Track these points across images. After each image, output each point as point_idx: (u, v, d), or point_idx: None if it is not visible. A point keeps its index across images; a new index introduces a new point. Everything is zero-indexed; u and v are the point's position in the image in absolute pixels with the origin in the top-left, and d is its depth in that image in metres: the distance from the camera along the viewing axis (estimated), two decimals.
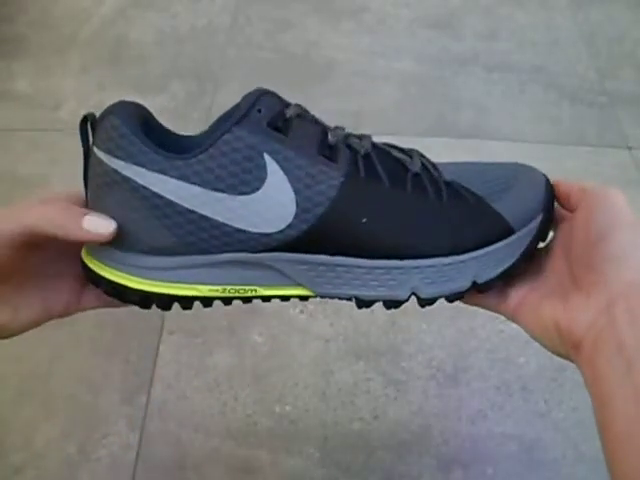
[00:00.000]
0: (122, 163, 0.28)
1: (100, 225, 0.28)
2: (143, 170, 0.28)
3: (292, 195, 0.28)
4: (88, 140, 0.30)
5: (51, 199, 0.29)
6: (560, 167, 0.78)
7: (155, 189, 0.28)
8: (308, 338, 0.62)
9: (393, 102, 0.87)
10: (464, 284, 0.30)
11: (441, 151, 0.80)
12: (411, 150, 0.32)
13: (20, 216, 0.27)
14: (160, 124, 0.33)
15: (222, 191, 0.28)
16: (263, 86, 0.33)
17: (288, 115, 0.30)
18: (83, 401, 0.59)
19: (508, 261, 0.30)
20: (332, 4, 1.02)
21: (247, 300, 0.31)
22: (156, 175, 0.28)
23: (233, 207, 0.28)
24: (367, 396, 0.59)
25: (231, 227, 0.28)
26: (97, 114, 0.30)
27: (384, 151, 0.31)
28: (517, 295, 0.31)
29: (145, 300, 0.30)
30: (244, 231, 0.28)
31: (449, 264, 0.30)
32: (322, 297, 0.31)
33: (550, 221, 0.31)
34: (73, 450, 0.55)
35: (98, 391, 0.59)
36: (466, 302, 0.33)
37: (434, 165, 0.32)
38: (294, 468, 0.54)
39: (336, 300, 0.31)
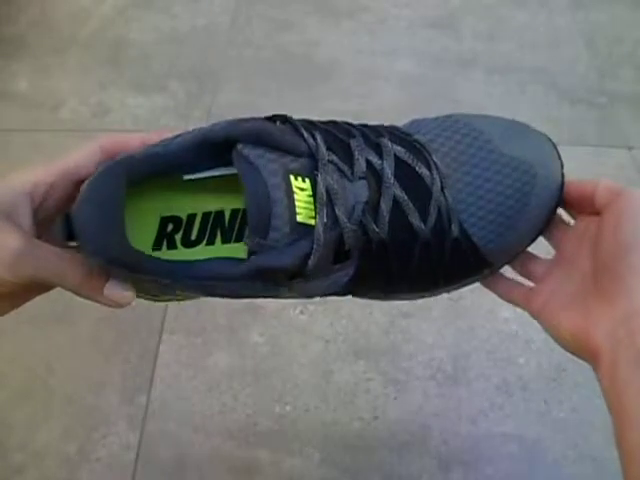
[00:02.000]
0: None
1: (122, 298, 0.27)
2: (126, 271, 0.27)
3: None
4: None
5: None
6: None
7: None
8: (308, 338, 0.62)
9: (393, 102, 0.87)
10: None
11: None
12: (433, 175, 0.30)
13: (32, 266, 0.26)
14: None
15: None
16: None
17: (311, 266, 0.27)
18: (83, 401, 0.59)
19: None
20: (332, 4, 1.02)
21: None
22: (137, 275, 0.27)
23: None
24: (367, 396, 0.59)
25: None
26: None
27: (399, 206, 0.29)
28: (541, 297, 0.31)
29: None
30: None
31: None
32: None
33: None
34: (73, 450, 0.55)
35: (98, 391, 0.59)
36: (496, 293, 0.33)
37: (449, 209, 0.30)
38: (294, 468, 0.54)
39: (336, 300, 0.31)
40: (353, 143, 0.30)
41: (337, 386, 0.59)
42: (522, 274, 0.33)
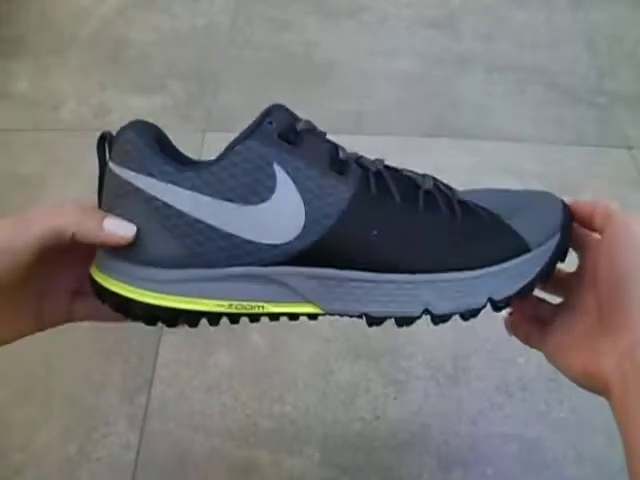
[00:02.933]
0: (134, 174, 0.29)
1: (120, 227, 0.28)
2: (154, 181, 0.28)
3: (301, 206, 0.28)
4: (105, 157, 0.31)
5: (66, 204, 0.29)
6: (560, 167, 0.78)
7: (166, 199, 0.28)
8: (308, 338, 0.62)
9: (393, 102, 0.87)
10: (480, 300, 0.29)
11: (441, 151, 0.80)
12: (425, 174, 0.32)
13: (42, 219, 0.27)
14: (173, 145, 0.33)
15: (232, 201, 0.28)
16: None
17: (299, 128, 0.30)
18: (83, 401, 0.59)
19: (525, 278, 0.29)
20: (332, 4, 1.02)
21: (254, 318, 0.31)
22: (167, 186, 0.28)
23: (242, 217, 0.28)
24: (367, 396, 0.59)
25: (239, 238, 0.28)
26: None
27: (395, 170, 0.31)
28: (553, 340, 0.31)
29: (150, 314, 0.29)
30: (252, 242, 0.28)
31: (463, 279, 0.29)
32: (332, 314, 0.30)
33: (568, 241, 0.31)
34: (73, 450, 0.55)
35: (98, 391, 0.59)
36: (517, 335, 0.33)
37: (447, 186, 0.32)
38: (294, 468, 0.54)
39: None
40: None
41: (337, 386, 0.59)
42: (533, 319, 0.33)
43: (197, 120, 0.84)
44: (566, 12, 1.01)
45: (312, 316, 0.30)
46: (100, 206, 0.30)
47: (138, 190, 0.28)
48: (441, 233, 0.29)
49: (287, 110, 0.30)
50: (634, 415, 0.24)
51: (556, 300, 0.34)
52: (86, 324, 0.34)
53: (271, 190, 0.28)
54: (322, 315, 0.30)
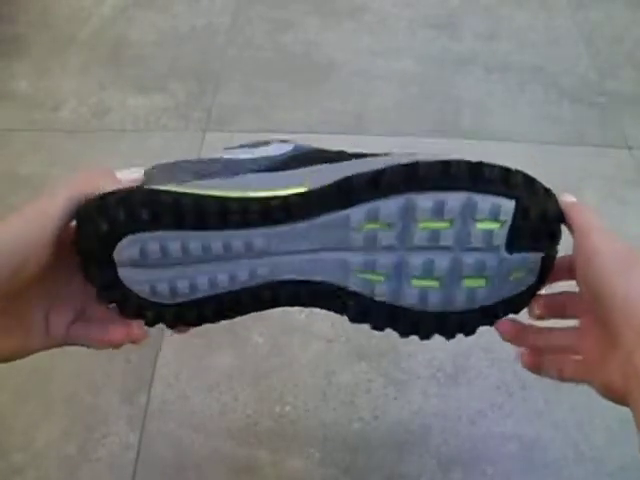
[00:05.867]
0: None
1: (131, 170, 0.31)
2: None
3: (291, 144, 0.34)
4: None
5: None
6: (560, 167, 0.78)
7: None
8: (309, 338, 0.62)
9: (393, 102, 0.87)
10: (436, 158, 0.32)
11: (441, 151, 0.80)
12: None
13: (66, 187, 0.28)
14: None
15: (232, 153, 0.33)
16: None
17: None
18: (83, 401, 0.59)
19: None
20: (332, 4, 1.02)
21: (244, 211, 0.30)
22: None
23: (244, 152, 0.33)
24: (367, 396, 0.59)
25: (240, 159, 0.33)
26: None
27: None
28: (570, 369, 0.31)
29: (152, 202, 0.29)
30: (253, 159, 0.33)
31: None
32: (314, 192, 0.30)
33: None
34: (73, 450, 0.55)
35: (98, 391, 0.59)
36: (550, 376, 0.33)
37: None
38: (294, 468, 0.54)
39: None
40: None
41: (337, 386, 0.59)
42: (560, 348, 0.33)
43: (197, 120, 0.84)
44: (566, 12, 1.01)
45: (297, 204, 0.30)
46: None
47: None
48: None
49: None
50: None
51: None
52: None
53: (267, 144, 0.34)
54: (307, 195, 0.30)
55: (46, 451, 0.55)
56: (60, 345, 0.31)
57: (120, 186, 0.29)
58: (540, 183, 0.31)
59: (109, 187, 0.29)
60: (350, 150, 0.33)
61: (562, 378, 0.33)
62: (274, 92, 0.87)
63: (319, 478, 0.54)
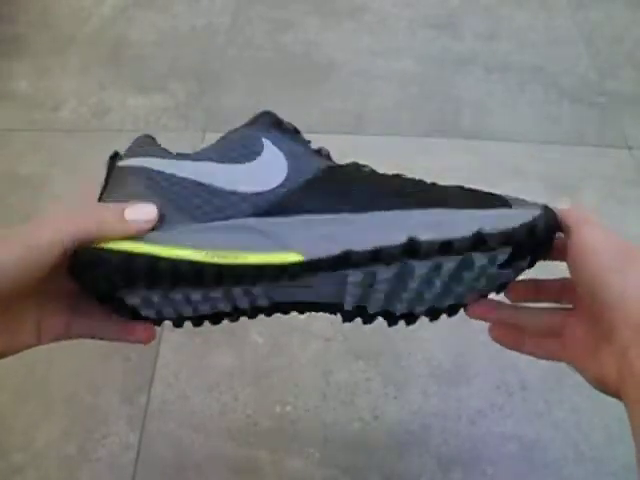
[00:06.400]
0: (136, 159, 0.31)
1: (141, 211, 0.28)
2: (153, 159, 0.30)
3: (284, 163, 0.30)
4: (113, 167, 0.31)
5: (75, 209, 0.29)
6: (560, 167, 0.78)
7: (159, 168, 0.30)
8: (308, 338, 0.62)
9: (393, 102, 0.87)
10: (468, 230, 0.27)
11: (441, 151, 0.80)
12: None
13: (63, 223, 0.26)
14: None
15: (220, 162, 0.30)
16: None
17: (286, 125, 0.33)
18: (83, 401, 0.59)
19: (511, 223, 0.28)
20: (332, 4, 1.02)
21: (236, 277, 0.29)
22: (164, 161, 0.30)
23: (229, 173, 0.30)
24: (367, 396, 0.59)
25: (224, 190, 0.29)
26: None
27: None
28: (568, 348, 0.31)
29: (125, 267, 0.27)
30: (236, 193, 0.29)
31: (447, 212, 0.29)
32: (312, 263, 0.28)
33: (553, 220, 0.29)
34: (73, 450, 0.55)
35: (98, 391, 0.59)
36: (529, 354, 0.33)
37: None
38: (294, 468, 0.54)
39: None
40: None
41: (337, 386, 0.59)
42: (548, 329, 0.33)
43: (197, 120, 0.84)
44: (566, 12, 1.01)
45: (294, 269, 0.28)
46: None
47: (136, 168, 0.30)
48: (417, 190, 0.30)
49: (275, 114, 0.33)
50: (636, 416, 0.24)
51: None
52: None
53: (258, 153, 0.30)
54: (305, 265, 0.28)
55: (46, 451, 0.55)
56: (61, 340, 0.31)
57: (126, 229, 0.27)
58: (541, 223, 0.28)
59: (113, 232, 0.27)
60: (343, 166, 0.32)
61: (543, 358, 0.33)
62: (274, 92, 0.87)
63: (319, 478, 0.54)
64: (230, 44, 0.96)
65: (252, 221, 0.29)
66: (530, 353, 0.33)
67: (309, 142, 0.33)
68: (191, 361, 0.61)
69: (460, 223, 0.28)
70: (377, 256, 0.28)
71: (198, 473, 0.54)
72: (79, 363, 0.61)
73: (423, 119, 0.85)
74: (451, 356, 0.61)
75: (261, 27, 0.98)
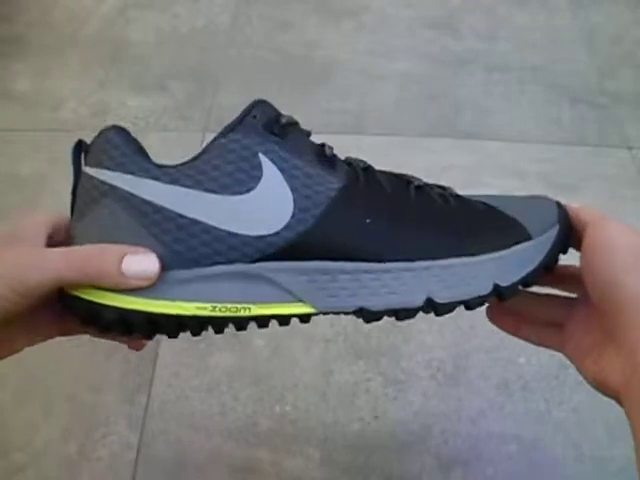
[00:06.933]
0: (112, 173, 0.26)
1: (142, 266, 0.25)
2: (133, 177, 0.26)
3: (289, 194, 0.27)
4: (80, 165, 0.28)
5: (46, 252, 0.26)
6: (560, 167, 0.78)
7: (144, 196, 0.26)
8: (308, 338, 0.62)
9: (393, 102, 0.87)
10: (485, 287, 0.27)
11: (441, 151, 0.80)
12: (414, 176, 0.32)
13: (43, 266, 0.24)
14: (147, 155, 0.29)
15: (214, 192, 0.26)
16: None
17: (283, 122, 0.29)
18: (83, 401, 0.59)
19: (529, 266, 0.28)
20: (332, 4, 1.02)
21: (240, 325, 0.28)
22: (146, 181, 0.26)
23: (225, 209, 0.26)
24: (367, 396, 0.59)
25: (223, 231, 0.26)
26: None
27: (383, 170, 0.31)
28: (570, 341, 0.30)
29: (122, 321, 0.26)
30: (237, 235, 0.26)
31: (465, 264, 0.27)
32: (325, 314, 0.27)
33: (568, 233, 0.30)
34: (73, 450, 0.55)
35: (98, 391, 0.59)
36: (531, 341, 0.32)
37: (440, 185, 0.31)
38: (294, 468, 0.54)
39: None
40: None
41: (337, 386, 0.59)
42: (546, 318, 0.32)
43: (197, 120, 0.84)
44: (566, 12, 1.01)
45: (304, 318, 0.28)
46: (72, 217, 0.28)
47: (115, 189, 0.26)
48: (437, 220, 0.28)
49: (270, 105, 0.29)
50: (637, 419, 0.24)
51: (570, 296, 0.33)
52: None
53: (256, 180, 0.26)
54: (315, 315, 0.28)
55: (46, 451, 0.55)
56: (56, 336, 0.31)
57: (124, 285, 0.25)
58: (557, 249, 0.29)
59: (108, 286, 0.25)
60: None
61: (539, 345, 0.33)
62: (274, 92, 0.87)
63: (319, 478, 0.54)
64: (230, 44, 0.96)
65: (258, 267, 0.27)
66: (526, 339, 0.33)
67: (309, 134, 0.30)
68: (191, 361, 0.61)
69: (480, 277, 0.27)
70: (393, 314, 0.28)
71: (198, 473, 0.54)
72: (79, 363, 0.61)
73: (423, 119, 0.85)
74: (451, 356, 0.61)
75: (261, 27, 0.98)
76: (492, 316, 0.34)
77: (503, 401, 0.58)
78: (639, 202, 0.75)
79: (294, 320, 0.29)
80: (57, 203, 0.73)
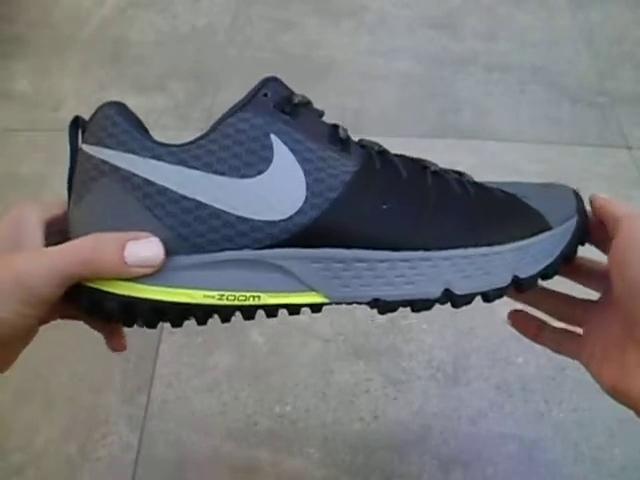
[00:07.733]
0: (112, 152, 0.25)
1: (145, 253, 0.24)
2: (135, 157, 0.25)
3: (302, 177, 0.25)
4: (77, 143, 0.27)
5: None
6: (560, 167, 0.78)
7: (147, 176, 0.25)
8: (308, 338, 0.62)
9: (393, 102, 0.87)
10: (504, 278, 0.26)
11: (441, 151, 0.80)
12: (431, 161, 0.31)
13: (48, 263, 0.23)
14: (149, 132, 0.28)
15: (223, 174, 0.25)
16: None
17: (296, 100, 0.27)
18: (83, 401, 0.59)
19: (549, 257, 0.27)
20: (332, 4, 1.02)
21: (249, 314, 0.27)
22: (149, 161, 0.25)
23: (235, 192, 0.25)
24: (367, 396, 0.59)
25: (232, 215, 0.25)
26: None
27: (398, 154, 0.30)
28: (587, 348, 0.29)
29: (126, 309, 0.25)
30: (247, 219, 0.25)
31: (485, 255, 0.26)
32: (338, 303, 0.26)
33: (586, 224, 0.29)
34: (73, 450, 0.55)
35: (98, 391, 0.59)
36: (547, 346, 0.32)
37: (457, 170, 0.30)
38: (294, 468, 0.54)
39: None
40: None
41: (337, 386, 0.59)
42: (565, 320, 0.31)
43: (197, 120, 0.84)
44: (566, 12, 1.01)
45: (315, 307, 0.27)
46: (69, 198, 0.27)
47: (116, 169, 0.25)
48: (455, 208, 0.27)
49: (282, 82, 0.28)
50: None
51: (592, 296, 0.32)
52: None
53: (268, 161, 0.25)
54: (327, 305, 0.26)
55: (46, 451, 0.55)
56: (56, 319, 0.30)
57: (127, 273, 0.24)
58: (575, 241, 0.29)
59: (111, 275, 0.24)
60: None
61: (557, 352, 0.32)
62: None
63: (319, 478, 0.54)
64: (230, 44, 0.96)
65: (269, 254, 0.25)
66: (544, 344, 0.32)
67: (322, 114, 0.29)
68: (191, 361, 0.61)
69: (499, 268, 0.26)
70: (409, 305, 0.27)
71: (198, 473, 0.54)
72: (79, 363, 0.61)
73: (423, 119, 0.85)
74: (451, 356, 0.61)
75: (261, 27, 0.98)
76: (515, 322, 0.33)
77: (503, 401, 0.58)
78: (639, 202, 0.75)
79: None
80: None
